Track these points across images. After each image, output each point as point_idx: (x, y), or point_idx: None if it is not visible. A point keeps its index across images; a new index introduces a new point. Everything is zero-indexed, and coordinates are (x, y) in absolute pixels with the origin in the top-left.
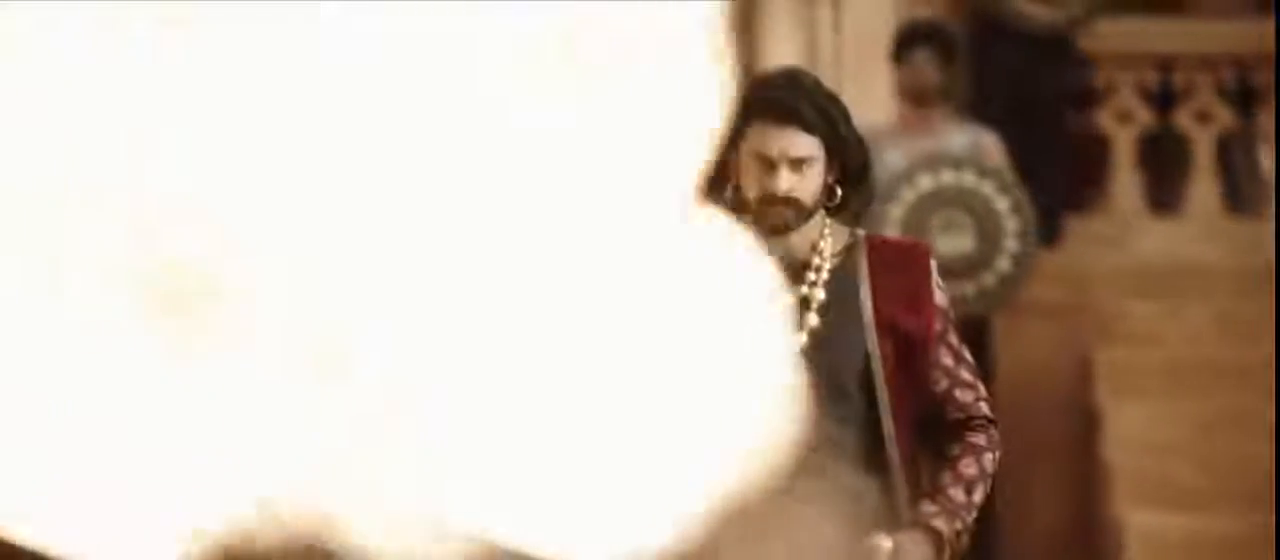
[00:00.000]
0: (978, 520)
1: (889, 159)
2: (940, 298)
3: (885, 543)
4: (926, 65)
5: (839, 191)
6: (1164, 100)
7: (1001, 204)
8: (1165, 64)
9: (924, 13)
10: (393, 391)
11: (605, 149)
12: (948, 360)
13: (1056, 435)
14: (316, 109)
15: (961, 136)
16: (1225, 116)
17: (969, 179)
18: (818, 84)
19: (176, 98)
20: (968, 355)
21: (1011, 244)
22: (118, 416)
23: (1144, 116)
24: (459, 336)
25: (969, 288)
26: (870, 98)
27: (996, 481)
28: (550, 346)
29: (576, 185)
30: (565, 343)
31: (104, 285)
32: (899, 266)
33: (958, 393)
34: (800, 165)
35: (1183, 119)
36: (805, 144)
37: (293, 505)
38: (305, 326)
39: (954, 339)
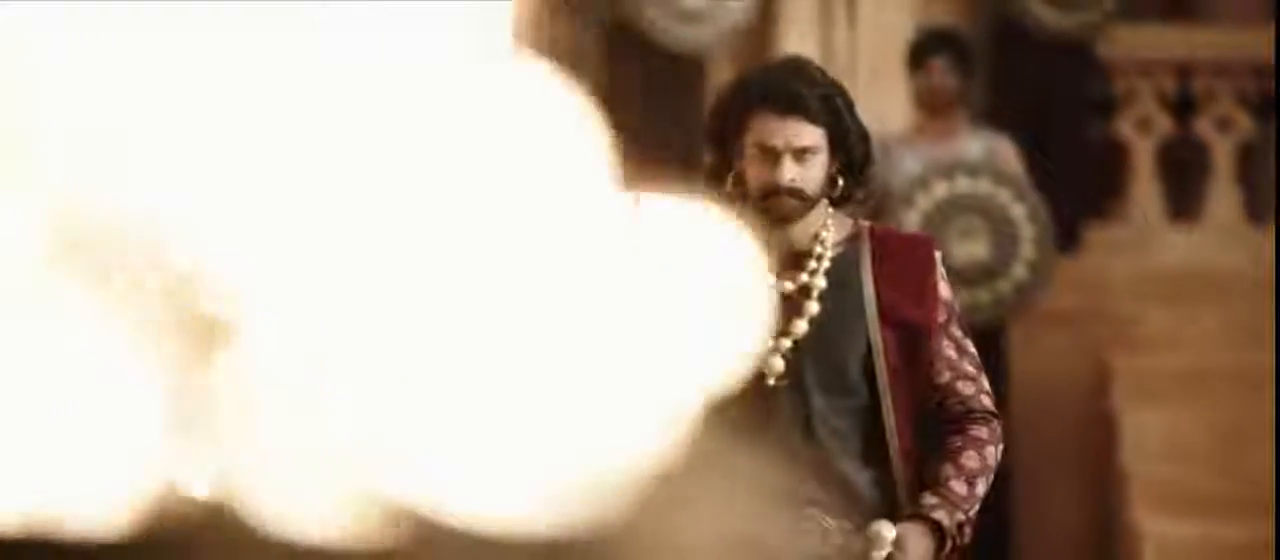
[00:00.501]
0: (993, 527)
1: (905, 166)
2: (944, 289)
3: (888, 530)
4: (943, 73)
5: (841, 182)
6: (1183, 107)
7: (1017, 211)
8: (1184, 71)
9: (941, 21)
10: (304, 360)
11: (516, 117)
12: (950, 352)
13: (1073, 442)
14: (221, 75)
15: (977, 144)
16: (1245, 124)
17: (985, 186)
18: (822, 73)
19: (84, 66)
20: (971, 348)
21: (1027, 251)
22: (19, 381)
23: (1163, 124)
24: (376, 304)
25: (985, 295)
26: (887, 105)
27: (1012, 488)
28: (471, 314)
29: (488, 152)
30: (485, 311)
31: (12, 248)
32: (903, 257)
33: (960, 385)
34: (804, 155)
35: (1202, 126)
36: (809, 134)
37: (202, 478)
38: (208, 294)
39: (957, 331)
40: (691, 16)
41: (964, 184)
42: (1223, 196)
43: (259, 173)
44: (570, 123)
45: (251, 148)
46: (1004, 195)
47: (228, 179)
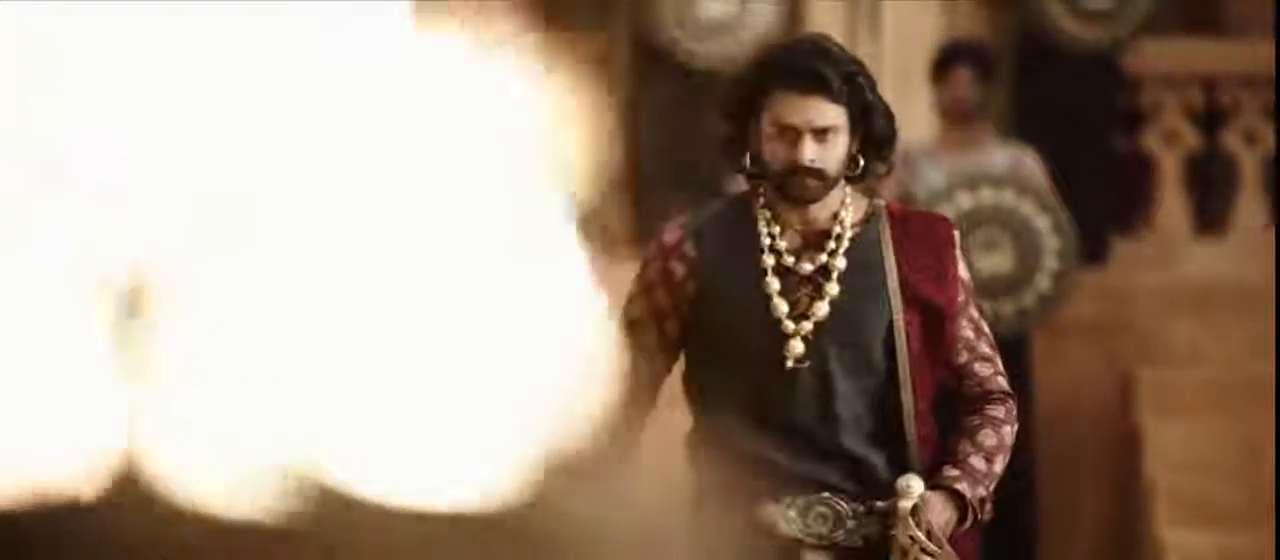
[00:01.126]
0: (1018, 537)
1: (928, 177)
2: (963, 270)
3: (916, 482)
4: (966, 84)
5: (861, 161)
6: (1210, 120)
7: (1041, 223)
8: (1210, 84)
9: (967, 33)
10: (216, 330)
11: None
12: (968, 333)
13: (1097, 454)
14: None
15: (1001, 155)
16: (1272, 136)
17: (1008, 198)
18: (842, 49)
19: None
20: (987, 329)
21: (1051, 263)
22: None
23: (1189, 137)
24: (289, 278)
25: (1008, 307)
26: (911, 117)
27: (1036, 499)
28: (383, 292)
29: (407, 132)
30: (398, 288)
31: None
32: (923, 237)
33: (977, 366)
34: (824, 135)
35: (1229, 139)
36: (830, 113)
37: (111, 447)
38: (125, 261)
39: (974, 312)
40: (716, 30)
41: (988, 196)
42: (1249, 209)
43: (185, 143)
44: (506, 116)
45: (182, 120)
46: (1028, 207)
47: (155, 147)
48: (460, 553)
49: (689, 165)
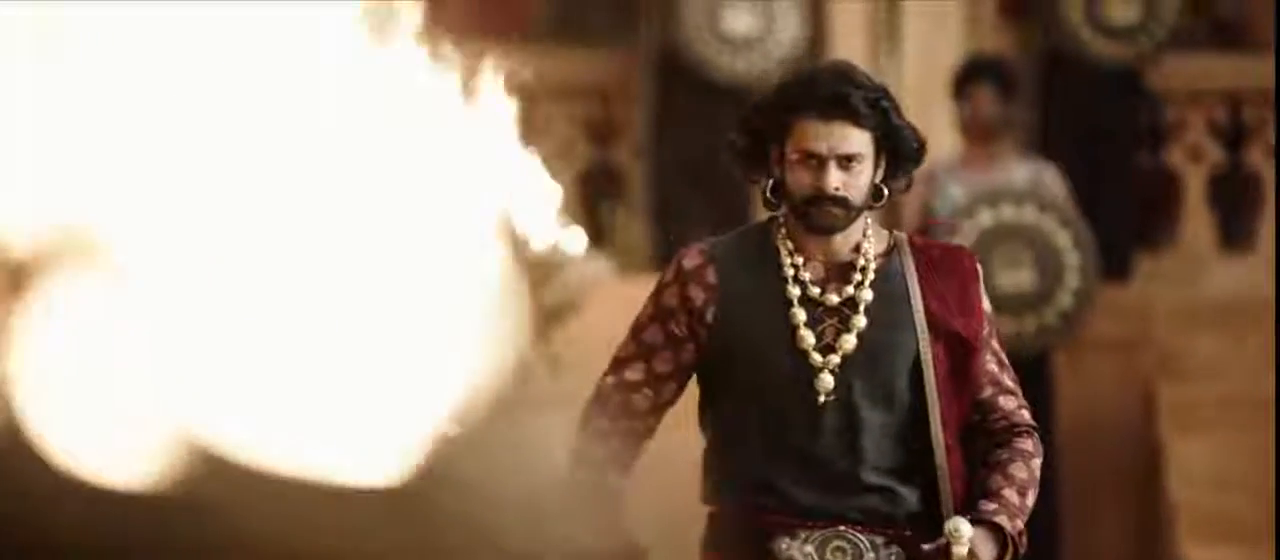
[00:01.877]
0: (1040, 554)
1: (950, 194)
2: (986, 303)
3: (965, 527)
4: (987, 100)
5: (886, 192)
6: (1234, 137)
7: (1063, 239)
8: (1235, 100)
9: (991, 49)
10: (110, 291)
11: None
12: (992, 366)
13: (1119, 470)
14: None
15: (1023, 171)
16: None
17: (1030, 214)
18: (867, 76)
19: None
20: (1008, 361)
21: (1073, 280)
22: None
23: (1214, 153)
24: (192, 247)
25: (1029, 324)
26: (931, 133)
27: (1059, 515)
28: (286, 263)
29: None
30: (301, 260)
31: None
32: (947, 269)
33: (1002, 399)
34: (849, 163)
35: (1254, 155)
36: (855, 140)
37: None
38: (22, 228)
39: (996, 344)
40: (741, 46)
41: (1009, 212)
42: (1274, 225)
43: (86, 110)
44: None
45: (83, 88)
46: (1049, 223)
47: (55, 116)
48: (359, 525)
49: (712, 181)
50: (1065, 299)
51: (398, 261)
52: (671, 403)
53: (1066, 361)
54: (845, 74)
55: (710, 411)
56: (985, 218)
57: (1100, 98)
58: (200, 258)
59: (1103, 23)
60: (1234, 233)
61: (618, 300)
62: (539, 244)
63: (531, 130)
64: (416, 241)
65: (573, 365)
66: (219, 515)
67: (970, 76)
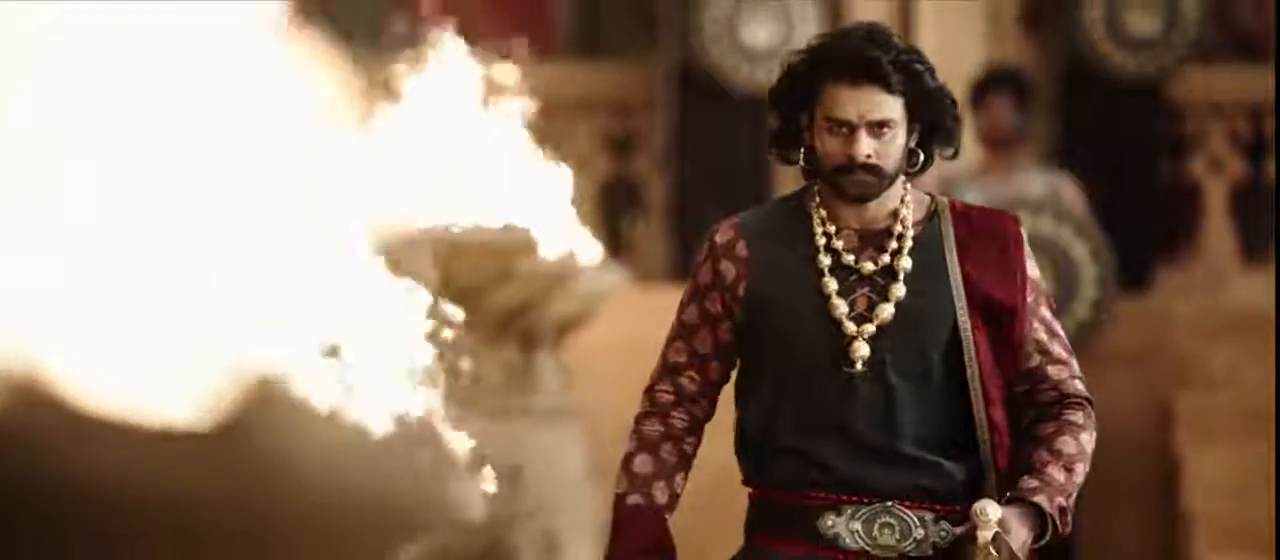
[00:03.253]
0: None
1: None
2: (1032, 268)
3: (993, 510)
4: (1004, 110)
5: (921, 157)
6: (1256, 148)
7: (1079, 250)
8: (1256, 112)
9: (1011, 61)
10: None
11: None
12: (1041, 334)
13: (1137, 480)
14: None
15: (1040, 182)
16: None
17: (1046, 225)
18: (898, 38)
19: None
20: (1060, 330)
21: (1089, 291)
22: None
23: (1235, 165)
24: (26, 187)
25: None
26: None
27: (1076, 525)
28: (113, 205)
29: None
30: (127, 204)
31: None
32: (987, 235)
33: (1051, 369)
34: (881, 129)
35: (1275, 167)
36: (887, 105)
37: None
38: None
39: (1046, 312)
40: (761, 57)
41: (1026, 222)
42: None
43: None
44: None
45: None
46: (1066, 234)
47: None
48: (179, 466)
49: (732, 191)
50: (1082, 310)
51: (223, 215)
52: (722, 382)
53: (1083, 370)
54: (874, 36)
55: (746, 388)
56: None
57: (1120, 110)
58: (35, 202)
59: (1123, 35)
60: (1254, 244)
61: (634, 310)
62: (553, 253)
63: (552, 141)
64: (246, 201)
65: (587, 375)
66: (41, 454)
67: (988, 86)
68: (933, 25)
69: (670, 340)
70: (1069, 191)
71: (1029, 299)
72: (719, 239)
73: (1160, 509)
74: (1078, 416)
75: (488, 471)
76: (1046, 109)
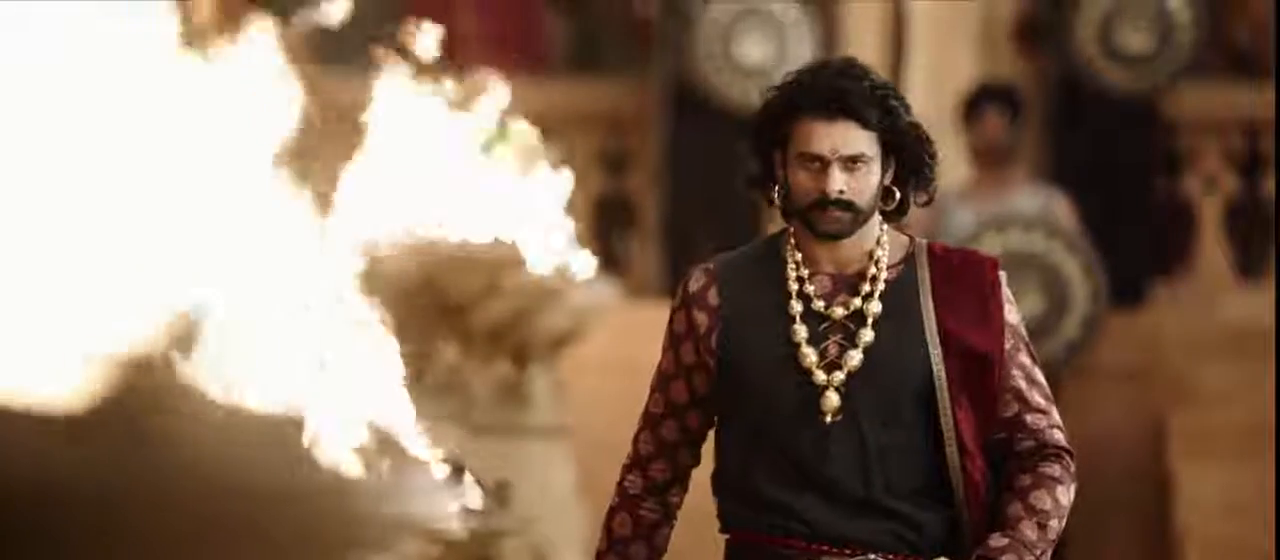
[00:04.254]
0: None
1: (959, 219)
2: (1011, 313)
3: None
4: (996, 126)
5: (897, 194)
6: (1251, 166)
7: (1071, 267)
8: (1251, 129)
9: (1004, 76)
10: None
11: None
12: (1019, 382)
13: (1129, 498)
14: None
15: (1031, 198)
16: None
17: (1039, 241)
18: (871, 72)
19: None
20: (1041, 377)
21: (1081, 308)
22: None
23: (1229, 182)
24: None
25: (1037, 351)
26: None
27: (1069, 544)
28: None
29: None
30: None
31: None
32: (965, 278)
33: (1029, 418)
34: (854, 164)
35: (1270, 184)
36: (859, 140)
37: None
38: None
39: (1025, 359)
40: (753, 75)
41: (1017, 238)
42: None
43: None
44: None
45: None
46: (1058, 251)
47: None
48: (49, 447)
49: (725, 209)
50: (1073, 327)
51: (98, 195)
52: (703, 431)
53: (1076, 389)
54: (848, 70)
55: (721, 435)
56: (993, 243)
57: (1114, 126)
58: None
59: (1117, 51)
60: (1249, 262)
61: (627, 326)
62: (543, 268)
63: (547, 158)
64: (124, 181)
65: (579, 390)
66: None
67: (980, 102)
68: (927, 41)
69: (651, 390)
70: (1061, 208)
71: (1007, 345)
72: (692, 287)
73: (1153, 527)
74: (1055, 469)
75: (470, 484)
76: (1040, 126)
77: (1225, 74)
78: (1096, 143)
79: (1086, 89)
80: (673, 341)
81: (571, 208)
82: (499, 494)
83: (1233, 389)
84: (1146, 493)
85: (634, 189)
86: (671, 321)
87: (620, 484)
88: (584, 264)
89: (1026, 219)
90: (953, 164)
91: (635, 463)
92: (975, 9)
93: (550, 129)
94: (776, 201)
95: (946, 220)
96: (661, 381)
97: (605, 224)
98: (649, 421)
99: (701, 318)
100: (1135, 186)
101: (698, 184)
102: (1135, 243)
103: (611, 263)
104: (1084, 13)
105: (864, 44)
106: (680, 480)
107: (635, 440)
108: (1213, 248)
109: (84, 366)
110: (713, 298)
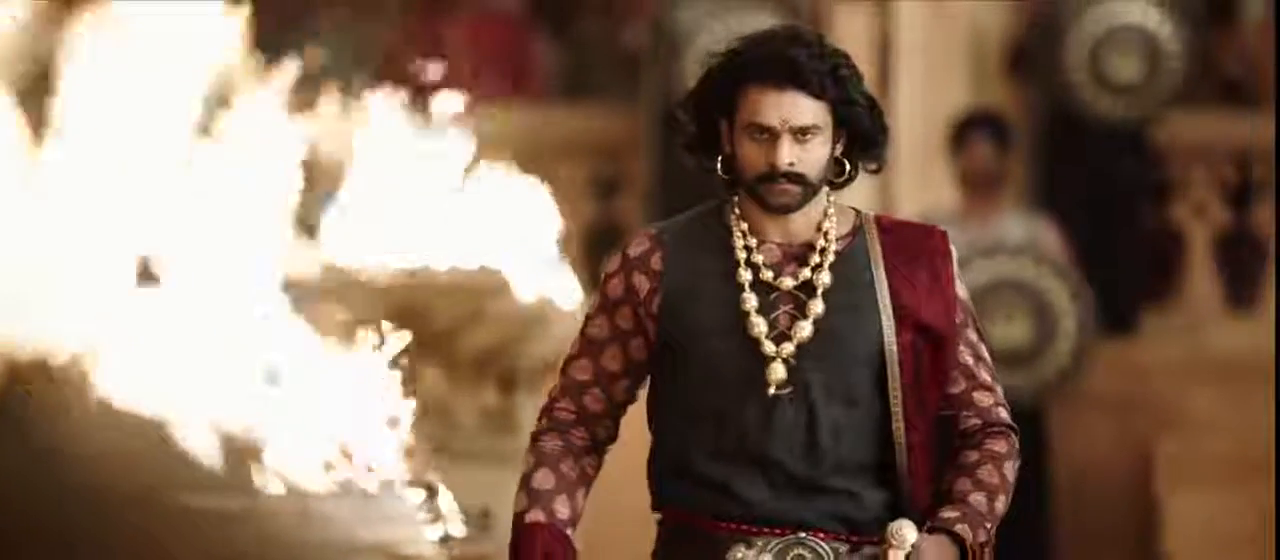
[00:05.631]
0: None
1: None
2: (961, 288)
3: (909, 531)
4: (984, 152)
5: (847, 167)
6: (1241, 195)
7: (1059, 294)
8: (1241, 158)
9: (994, 103)
10: None
11: None
12: (967, 358)
13: (1116, 526)
14: None
15: (1020, 225)
16: None
17: (1026, 268)
18: (821, 39)
19: None
20: (987, 354)
21: (1069, 335)
22: None
23: (1218, 211)
24: None
25: (1025, 379)
26: (929, 185)
27: None
28: None
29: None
30: None
31: None
32: (916, 250)
33: (976, 395)
34: (804, 135)
35: (1260, 214)
36: (810, 110)
37: None
38: None
39: (973, 334)
40: None
41: (1005, 265)
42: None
43: None
44: None
45: None
46: (1046, 278)
47: None
48: None
49: None
50: (1061, 354)
51: None
52: (627, 403)
53: (1063, 417)
54: (798, 38)
55: (659, 408)
56: (981, 269)
57: (1104, 154)
58: None
59: (1106, 80)
60: (1239, 291)
61: None
62: (528, 295)
63: (537, 184)
64: None
65: None
66: None
67: (968, 129)
68: (916, 68)
69: (573, 358)
70: (1049, 235)
71: (958, 318)
72: (632, 251)
73: (1139, 555)
74: (1001, 446)
75: (452, 511)
76: (1030, 154)
77: (1215, 102)
78: (1086, 170)
79: (1076, 117)
80: (607, 306)
81: (562, 234)
82: (482, 521)
83: (1221, 418)
84: (1134, 521)
85: (625, 215)
86: (605, 287)
87: (537, 443)
88: (571, 290)
89: (1014, 246)
90: (941, 190)
91: (553, 426)
92: (965, 36)
93: (541, 155)
94: (719, 172)
95: None
96: (592, 348)
97: (597, 250)
98: (571, 388)
99: (642, 281)
100: (1124, 214)
101: (689, 209)
102: (1124, 271)
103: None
104: (1074, 41)
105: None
106: (597, 452)
107: (550, 410)
108: (1202, 276)
109: None
110: (656, 262)
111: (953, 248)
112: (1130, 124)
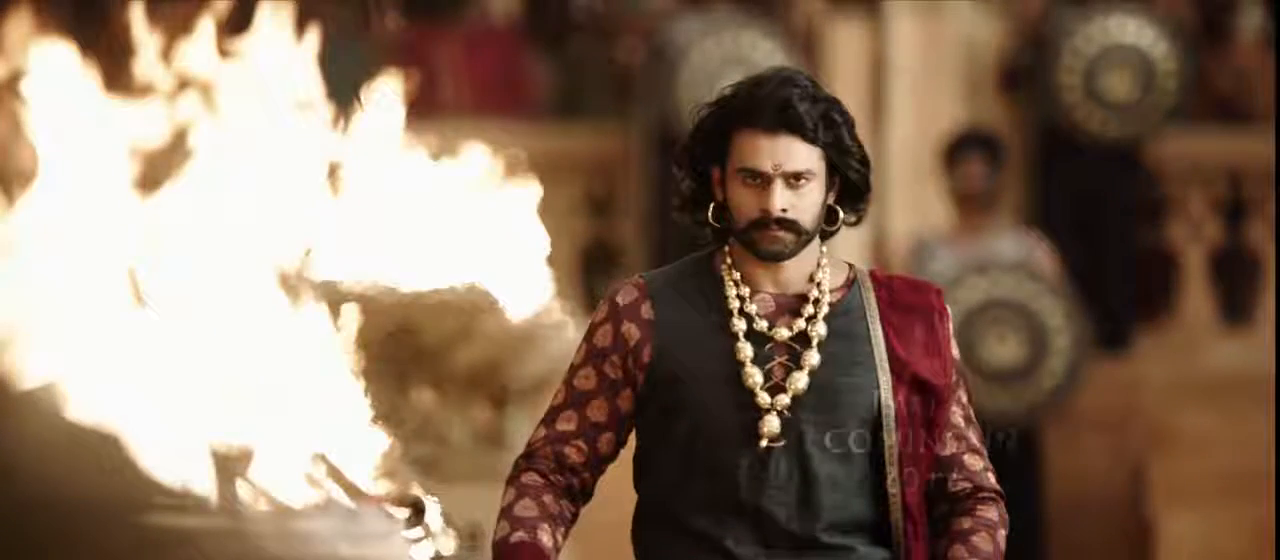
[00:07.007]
0: None
1: (940, 264)
2: (954, 347)
3: None
4: (977, 171)
5: (840, 214)
6: (1236, 212)
7: (1052, 313)
8: (1236, 176)
9: (988, 122)
10: None
11: None
12: (958, 419)
13: (1109, 546)
14: None
15: (1014, 244)
16: None
17: (1019, 286)
18: (816, 85)
19: None
20: (975, 417)
21: (1062, 354)
22: None
23: (1213, 229)
24: None
25: (1018, 397)
26: (922, 204)
27: None
28: None
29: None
30: None
31: None
32: (912, 306)
33: (967, 458)
34: (798, 181)
35: (1255, 232)
36: (804, 155)
37: None
38: None
39: (964, 396)
40: None
41: (998, 283)
42: (1274, 302)
43: None
44: None
45: None
46: (1039, 296)
47: None
48: None
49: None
50: (1054, 373)
51: None
52: (610, 457)
53: (1056, 435)
54: (791, 81)
55: (647, 463)
56: (974, 288)
57: (1098, 174)
58: None
59: (1101, 98)
60: (1233, 309)
61: None
62: (519, 313)
63: (532, 205)
64: None
65: None
66: None
67: (961, 148)
68: (909, 87)
69: (557, 409)
70: (1041, 254)
71: (953, 378)
72: (621, 299)
73: None
74: (992, 513)
75: (442, 529)
76: (1024, 172)
77: (1209, 121)
78: (1080, 189)
79: (1069, 135)
80: (593, 357)
81: (555, 252)
82: (472, 538)
83: (1214, 436)
84: (1127, 540)
85: (619, 233)
86: (592, 336)
87: (517, 479)
88: (562, 308)
89: (1007, 263)
90: (934, 208)
91: (533, 468)
92: (959, 55)
93: (535, 174)
94: (711, 222)
95: (927, 264)
96: (578, 399)
97: (590, 268)
98: (553, 437)
99: (632, 331)
100: (1118, 232)
101: (684, 228)
102: (1118, 289)
103: (595, 307)
104: (1068, 59)
105: (846, 90)
106: (574, 500)
107: (530, 455)
108: (1195, 294)
109: None
110: (645, 311)
111: (947, 305)
112: (1124, 142)
